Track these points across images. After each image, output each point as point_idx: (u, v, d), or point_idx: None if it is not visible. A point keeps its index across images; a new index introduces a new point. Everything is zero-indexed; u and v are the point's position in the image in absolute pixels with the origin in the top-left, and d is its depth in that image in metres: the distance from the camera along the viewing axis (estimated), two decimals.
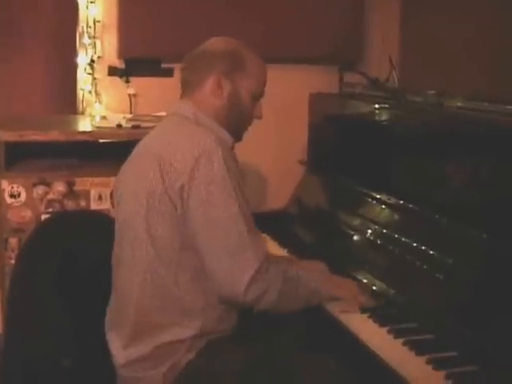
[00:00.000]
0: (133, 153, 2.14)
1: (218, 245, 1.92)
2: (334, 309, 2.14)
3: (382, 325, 2.04)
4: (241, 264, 1.91)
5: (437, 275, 2.12)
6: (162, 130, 2.13)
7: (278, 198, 3.32)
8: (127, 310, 2.03)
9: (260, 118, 2.20)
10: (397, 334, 1.97)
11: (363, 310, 2.14)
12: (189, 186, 1.90)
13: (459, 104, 2.53)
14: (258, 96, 2.17)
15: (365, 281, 2.36)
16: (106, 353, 2.07)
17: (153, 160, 1.97)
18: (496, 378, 1.73)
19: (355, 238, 2.60)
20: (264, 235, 2.82)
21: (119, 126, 3.20)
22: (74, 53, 3.60)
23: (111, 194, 2.95)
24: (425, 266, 2.18)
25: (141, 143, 2.15)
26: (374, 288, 2.30)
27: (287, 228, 2.99)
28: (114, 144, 3.05)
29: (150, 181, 1.95)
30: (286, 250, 2.74)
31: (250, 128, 2.22)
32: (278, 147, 3.81)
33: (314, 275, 2.17)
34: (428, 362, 1.80)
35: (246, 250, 1.92)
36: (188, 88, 2.14)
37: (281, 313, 2.05)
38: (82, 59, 3.55)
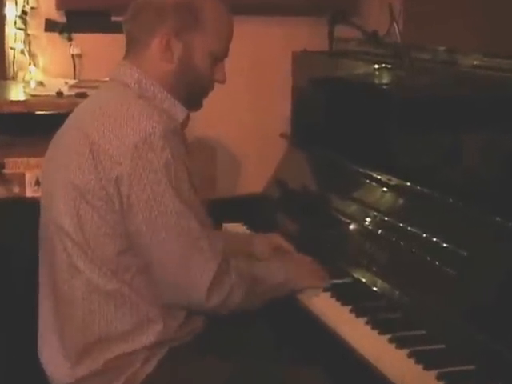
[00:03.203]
0: (62, 128, 2.13)
1: (168, 247, 1.94)
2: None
3: (382, 332, 2.05)
4: (197, 267, 1.96)
5: (450, 272, 2.12)
6: (97, 102, 2.11)
7: (255, 179, 3.32)
8: (70, 321, 2.02)
9: (223, 82, 2.19)
10: (400, 343, 1.98)
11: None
12: (129, 179, 1.90)
13: (476, 62, 2.53)
14: (220, 56, 2.15)
15: (363, 280, 2.37)
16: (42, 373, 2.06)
17: (85, 144, 1.95)
18: None
19: (350, 227, 2.60)
20: (239, 224, 2.82)
21: (60, 93, 3.21)
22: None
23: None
24: (436, 262, 2.18)
25: (72, 116, 2.14)
26: (375, 288, 2.31)
27: (267, 215, 2.98)
28: (54, 116, 3.01)
29: (81, 171, 1.95)
30: None
31: (220, 96, 2.22)
32: (255, 118, 3.81)
33: (275, 267, 2.27)
34: (439, 378, 1.80)
35: (201, 249, 1.96)
36: (133, 46, 2.11)
37: (247, 311, 2.11)
38: (11, 11, 3.52)
